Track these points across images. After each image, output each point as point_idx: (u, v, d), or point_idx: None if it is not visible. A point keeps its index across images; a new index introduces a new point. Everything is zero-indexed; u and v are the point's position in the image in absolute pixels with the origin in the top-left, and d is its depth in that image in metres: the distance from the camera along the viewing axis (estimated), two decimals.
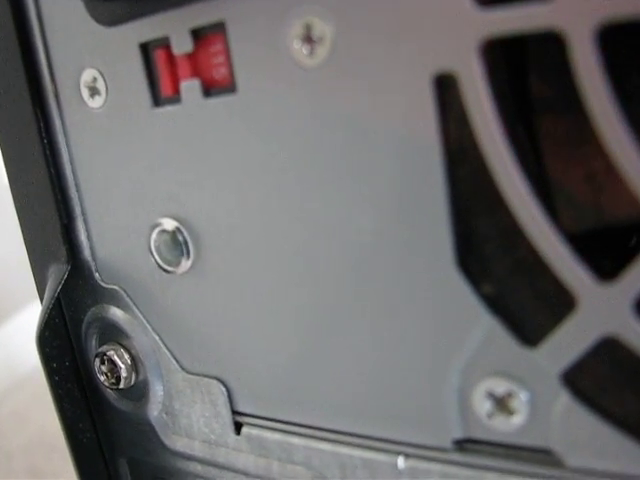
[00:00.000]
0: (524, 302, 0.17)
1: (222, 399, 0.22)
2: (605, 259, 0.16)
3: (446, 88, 0.16)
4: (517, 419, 0.17)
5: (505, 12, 0.15)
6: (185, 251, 0.21)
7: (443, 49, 0.15)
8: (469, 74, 0.15)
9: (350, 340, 0.19)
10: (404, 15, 0.16)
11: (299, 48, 0.17)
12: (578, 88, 0.14)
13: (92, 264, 0.24)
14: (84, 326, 0.25)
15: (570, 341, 0.16)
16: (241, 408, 0.22)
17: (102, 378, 0.24)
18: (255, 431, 0.22)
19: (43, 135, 0.23)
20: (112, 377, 0.24)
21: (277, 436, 0.21)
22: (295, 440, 0.21)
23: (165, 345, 0.23)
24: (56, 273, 0.24)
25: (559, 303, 0.16)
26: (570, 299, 0.16)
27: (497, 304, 0.17)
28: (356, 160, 0.17)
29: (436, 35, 0.15)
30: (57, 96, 0.23)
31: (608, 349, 0.16)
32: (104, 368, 0.24)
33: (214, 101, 0.19)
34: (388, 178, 0.17)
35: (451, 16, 0.15)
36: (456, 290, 0.17)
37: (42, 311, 0.24)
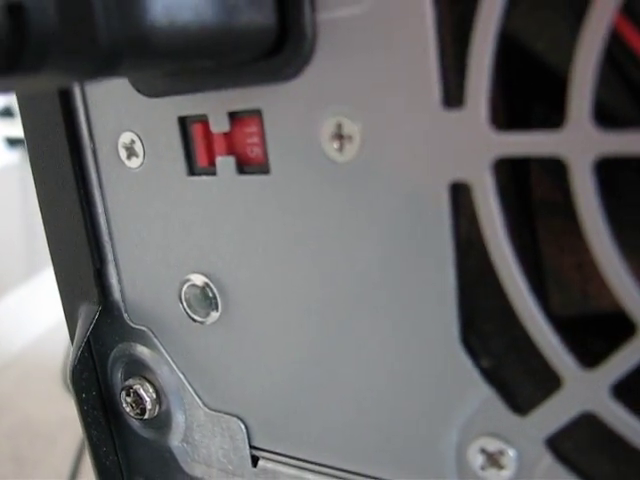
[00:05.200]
0: (517, 376, 0.19)
1: (241, 435, 0.24)
2: (591, 341, 0.19)
3: (460, 191, 0.18)
4: (506, 473, 0.20)
5: (517, 137, 0.17)
6: (214, 305, 0.23)
7: (460, 162, 0.18)
8: (481, 186, 0.18)
9: (362, 393, 0.22)
10: (427, 127, 0.18)
11: (330, 144, 0.20)
12: (573, 201, 0.17)
13: (122, 305, 0.26)
14: (111, 360, 0.27)
15: (554, 414, 0.19)
16: (258, 443, 0.24)
17: (127, 409, 0.26)
18: (270, 465, 0.24)
19: (80, 186, 0.25)
20: (137, 408, 0.26)
21: (292, 471, 0.24)
22: (309, 476, 0.23)
23: (189, 383, 0.25)
24: (87, 312, 0.26)
25: (547, 379, 0.19)
26: (557, 376, 0.18)
27: (493, 376, 0.19)
28: (375, 246, 0.20)
29: (455, 149, 0.18)
30: (95, 153, 0.25)
31: (588, 420, 0.18)
32: (129, 399, 0.26)
33: (248, 178, 0.21)
34: (405, 266, 0.19)
35: (470, 135, 0.17)
36: (458, 362, 0.20)
37: (74, 349, 0.26)
